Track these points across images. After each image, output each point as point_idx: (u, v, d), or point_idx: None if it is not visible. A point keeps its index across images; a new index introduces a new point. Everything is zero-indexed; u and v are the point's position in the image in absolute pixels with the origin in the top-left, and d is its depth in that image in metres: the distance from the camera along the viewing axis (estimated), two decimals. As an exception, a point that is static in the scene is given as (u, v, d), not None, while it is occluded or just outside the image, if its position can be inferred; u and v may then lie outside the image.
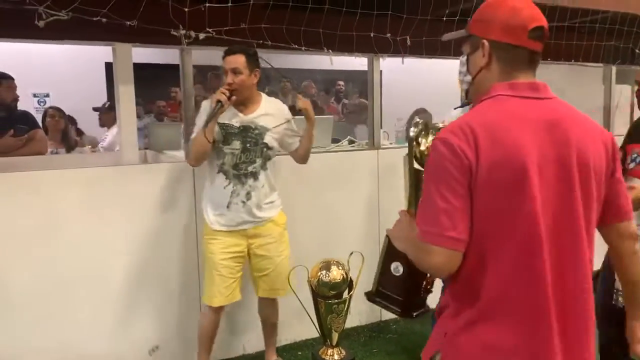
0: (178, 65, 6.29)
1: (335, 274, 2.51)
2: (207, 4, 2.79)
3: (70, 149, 4.46)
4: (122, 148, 3.43)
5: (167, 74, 5.85)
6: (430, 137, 1.62)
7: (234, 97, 2.48)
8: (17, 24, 2.49)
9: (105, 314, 2.76)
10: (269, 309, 2.81)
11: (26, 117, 3.83)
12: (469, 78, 1.32)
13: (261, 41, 2.94)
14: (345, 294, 2.57)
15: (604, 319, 2.24)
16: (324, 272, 2.52)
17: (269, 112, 2.63)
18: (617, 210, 1.31)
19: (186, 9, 2.75)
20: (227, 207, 2.56)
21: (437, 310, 1.36)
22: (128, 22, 2.65)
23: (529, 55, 1.25)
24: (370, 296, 1.66)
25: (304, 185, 3.20)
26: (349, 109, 6.68)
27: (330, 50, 3.24)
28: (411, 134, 1.65)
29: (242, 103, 2.57)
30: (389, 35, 3.39)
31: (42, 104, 5.50)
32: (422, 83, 5.66)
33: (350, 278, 2.57)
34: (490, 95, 1.25)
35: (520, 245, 1.16)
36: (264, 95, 2.70)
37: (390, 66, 3.66)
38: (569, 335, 1.19)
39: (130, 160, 3.37)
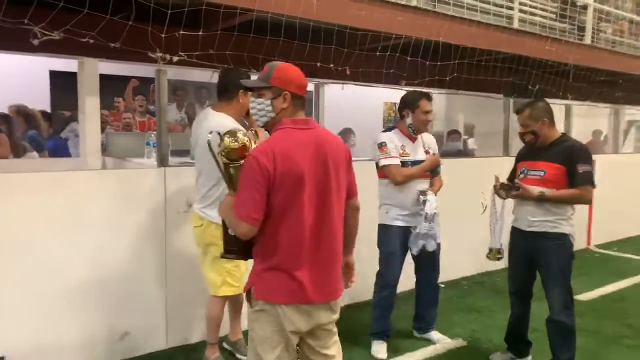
0: (121, 76, 6.49)
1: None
2: (181, 32, 3.21)
3: (18, 155, 4.55)
4: (87, 154, 3.72)
5: (111, 84, 6.10)
6: (226, 139, 2.14)
7: None
8: (12, 40, 2.77)
9: (80, 305, 3.03)
10: None
11: (-14, 122, 3.95)
12: (272, 114, 2.07)
13: (225, 65, 3.39)
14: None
15: None
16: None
17: None
18: (351, 192, 2.17)
19: (163, 35, 3.16)
20: None
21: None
22: (112, 44, 3.01)
23: (303, 101, 2.08)
24: (223, 255, 2.22)
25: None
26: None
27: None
28: (218, 143, 2.19)
29: None
30: (332, 65, 3.97)
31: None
32: (355, 106, 6.34)
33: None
34: (282, 127, 2.02)
35: (295, 217, 1.95)
36: None
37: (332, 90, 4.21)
38: (319, 264, 2.01)
39: (93, 165, 3.67)
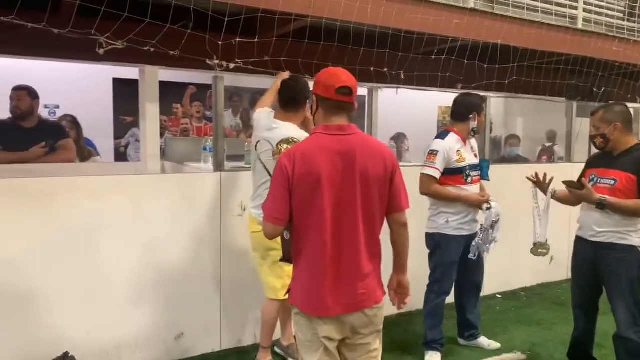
0: (179, 83, 6.68)
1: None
2: (238, 39, 3.27)
3: (84, 159, 4.77)
4: (147, 159, 3.84)
5: (169, 91, 6.30)
6: (278, 146, 2.29)
7: None
8: (80, 49, 2.90)
9: (138, 306, 3.13)
10: None
11: (56, 128, 4.16)
12: (310, 117, 2.08)
13: (279, 71, 3.42)
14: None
15: None
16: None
17: None
18: (393, 205, 2.02)
19: (220, 42, 3.22)
20: None
21: None
22: (171, 52, 3.10)
23: (338, 104, 1.96)
24: (281, 259, 2.19)
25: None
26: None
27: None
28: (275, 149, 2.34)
29: None
30: (386, 69, 3.93)
31: (52, 114, 5.80)
32: (410, 110, 6.25)
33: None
34: (314, 132, 2.01)
35: (316, 223, 1.92)
36: None
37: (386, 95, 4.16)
38: (340, 276, 1.95)
39: (153, 169, 3.78)
